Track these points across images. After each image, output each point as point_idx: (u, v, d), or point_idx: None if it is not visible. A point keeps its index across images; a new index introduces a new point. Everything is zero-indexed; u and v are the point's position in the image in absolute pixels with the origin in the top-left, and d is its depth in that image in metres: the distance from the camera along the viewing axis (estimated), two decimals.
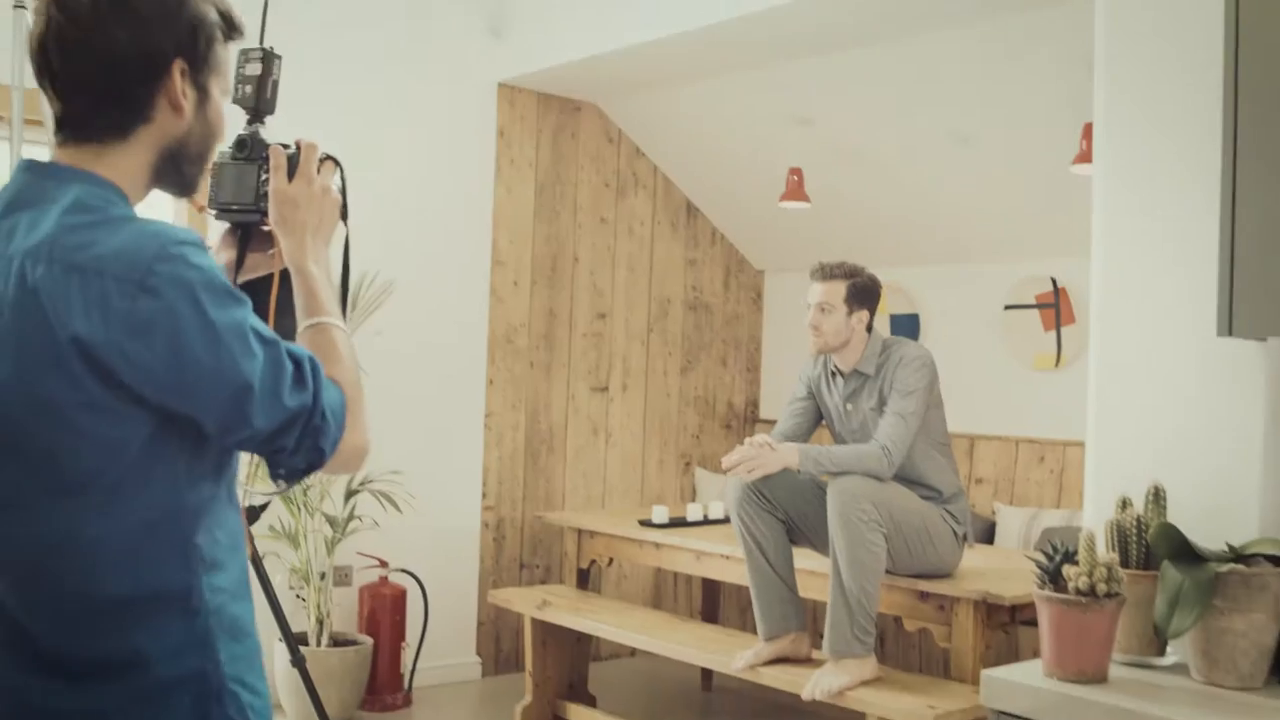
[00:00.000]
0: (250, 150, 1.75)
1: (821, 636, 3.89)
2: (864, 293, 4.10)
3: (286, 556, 5.05)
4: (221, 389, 1.42)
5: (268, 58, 1.79)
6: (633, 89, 5.88)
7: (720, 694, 5.68)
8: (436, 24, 5.65)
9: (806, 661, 4.05)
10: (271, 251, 1.75)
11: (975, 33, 4.54)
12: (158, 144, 1.55)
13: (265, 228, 1.74)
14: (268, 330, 1.49)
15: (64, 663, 1.47)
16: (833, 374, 4.18)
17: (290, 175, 1.72)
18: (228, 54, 1.63)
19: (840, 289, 4.06)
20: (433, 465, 5.58)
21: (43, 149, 3.31)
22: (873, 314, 4.14)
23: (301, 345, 1.60)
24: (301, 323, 1.67)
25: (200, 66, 1.56)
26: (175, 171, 1.59)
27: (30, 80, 3.04)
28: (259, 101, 1.78)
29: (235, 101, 1.74)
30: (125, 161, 1.53)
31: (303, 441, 1.51)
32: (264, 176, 1.72)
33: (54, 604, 1.47)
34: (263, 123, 1.79)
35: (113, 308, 1.38)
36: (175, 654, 1.48)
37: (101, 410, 1.41)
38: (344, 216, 1.82)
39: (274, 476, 1.56)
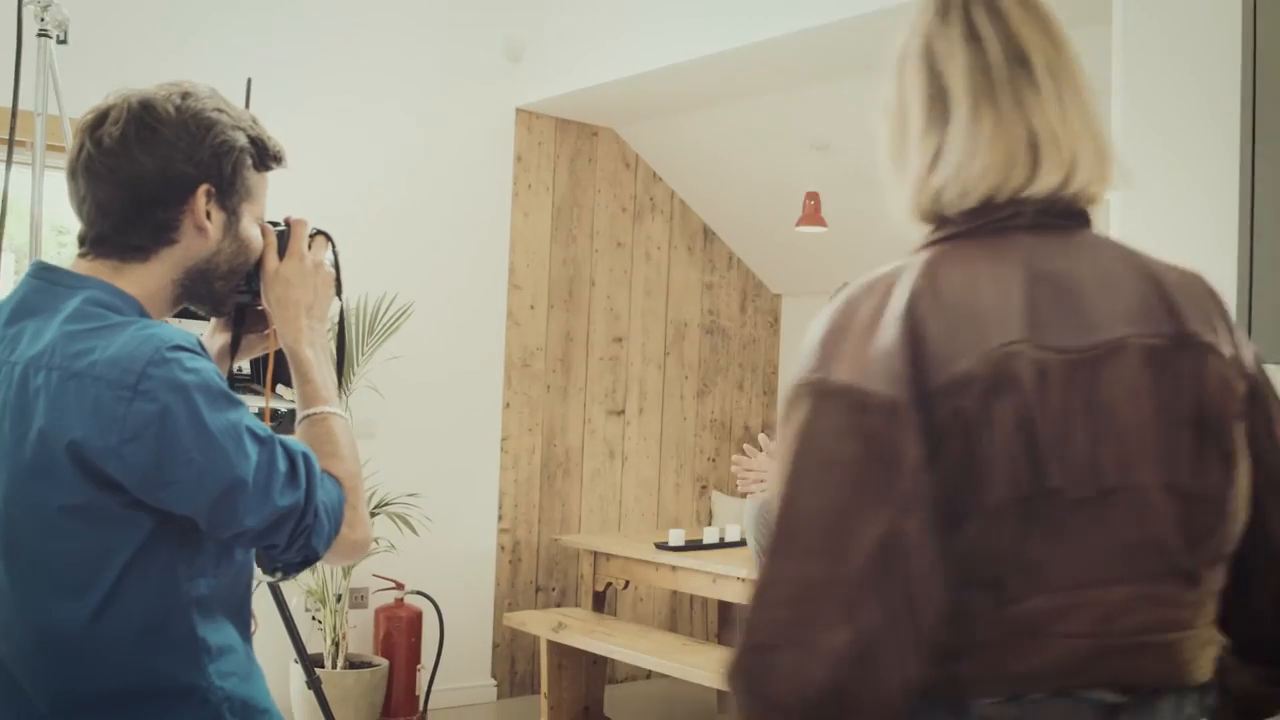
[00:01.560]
0: None
1: None
2: None
3: (302, 579, 5.06)
4: (213, 488, 1.43)
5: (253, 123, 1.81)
6: (649, 114, 5.91)
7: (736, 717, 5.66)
8: (455, 50, 5.69)
9: None
10: (267, 331, 1.76)
11: None
12: (182, 264, 1.58)
13: (259, 307, 1.74)
14: (263, 429, 1.50)
15: None
16: None
17: (281, 254, 1.73)
18: (262, 180, 1.67)
19: None
20: (449, 488, 5.59)
21: (63, 174, 3.34)
22: None
23: (299, 437, 1.62)
24: (299, 413, 1.67)
25: (228, 190, 1.60)
26: (206, 290, 1.63)
27: (54, 107, 3.07)
28: None
29: None
30: (143, 279, 1.56)
31: (295, 540, 1.51)
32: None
33: (64, 695, 1.48)
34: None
35: (108, 413, 1.41)
36: None
37: (98, 515, 1.44)
38: (338, 291, 1.82)
39: (269, 570, 1.56)
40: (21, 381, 1.46)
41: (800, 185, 5.60)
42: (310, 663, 3.93)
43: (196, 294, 1.63)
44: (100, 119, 1.55)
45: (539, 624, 4.99)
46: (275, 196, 4.83)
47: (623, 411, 6.30)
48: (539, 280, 6.00)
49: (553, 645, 4.93)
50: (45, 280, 1.55)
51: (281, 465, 1.49)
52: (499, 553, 5.86)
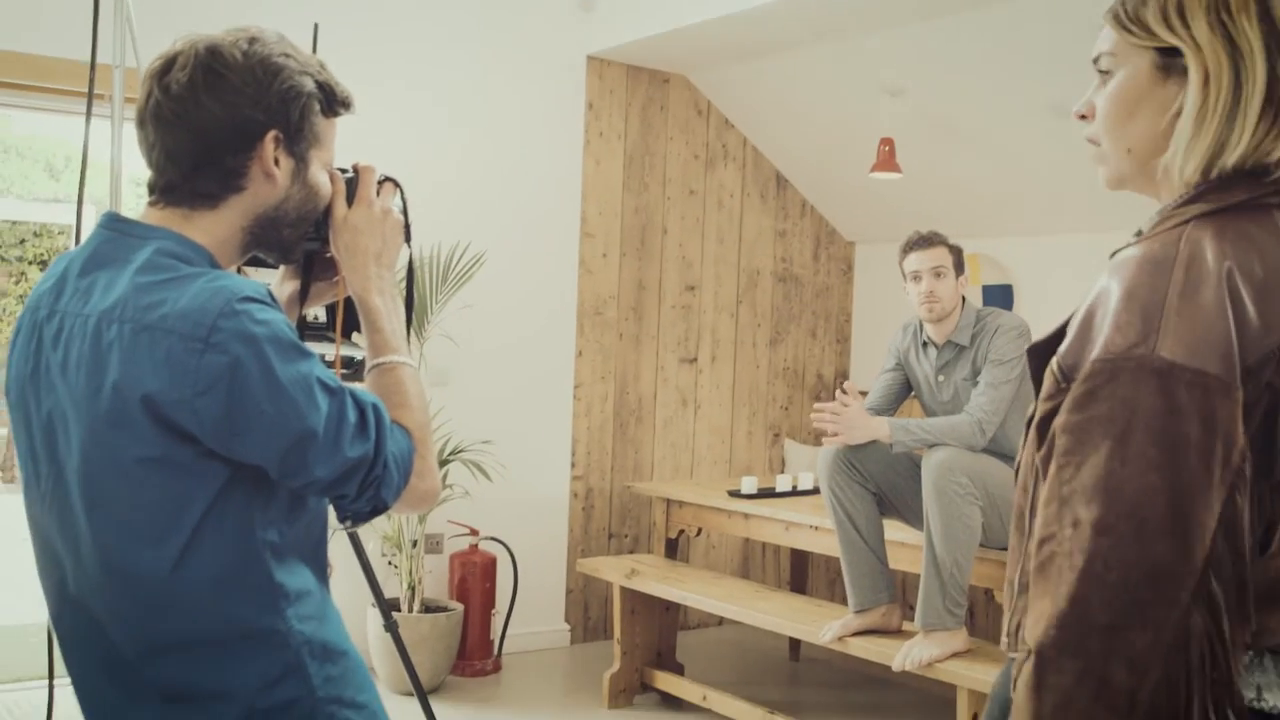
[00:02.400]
0: None
1: (911, 608, 3.87)
2: (961, 258, 4.08)
3: (379, 525, 5.14)
4: (283, 439, 1.45)
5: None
6: (722, 60, 5.86)
7: (808, 664, 5.68)
8: None
9: (896, 633, 4.04)
10: (336, 279, 1.76)
11: None
12: (250, 211, 1.59)
13: (328, 255, 1.74)
14: (333, 380, 1.51)
15: (161, 693, 1.53)
16: (924, 344, 4.14)
17: (350, 201, 1.72)
18: (330, 126, 1.66)
19: (946, 254, 4.03)
20: (523, 435, 5.63)
21: None
22: (965, 282, 4.11)
23: (368, 386, 1.63)
24: (368, 362, 1.68)
25: (296, 136, 1.60)
26: (274, 237, 1.64)
27: (131, 59, 3.10)
28: None
29: None
30: (213, 227, 1.57)
31: (364, 490, 1.52)
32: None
33: (147, 640, 1.52)
34: None
35: (180, 366, 1.42)
36: (268, 686, 1.53)
37: (174, 466, 1.46)
38: (407, 238, 1.81)
39: (340, 519, 1.58)
40: (95, 334, 1.48)
41: (874, 131, 5.53)
42: (387, 607, 4.00)
43: (265, 241, 1.64)
44: (168, 65, 1.56)
45: (612, 570, 5.03)
46: (347, 146, 4.85)
47: (695, 359, 6.29)
48: (611, 228, 5.99)
49: (625, 591, 4.97)
50: (116, 231, 1.57)
51: (351, 416, 1.50)
52: (572, 499, 5.90)
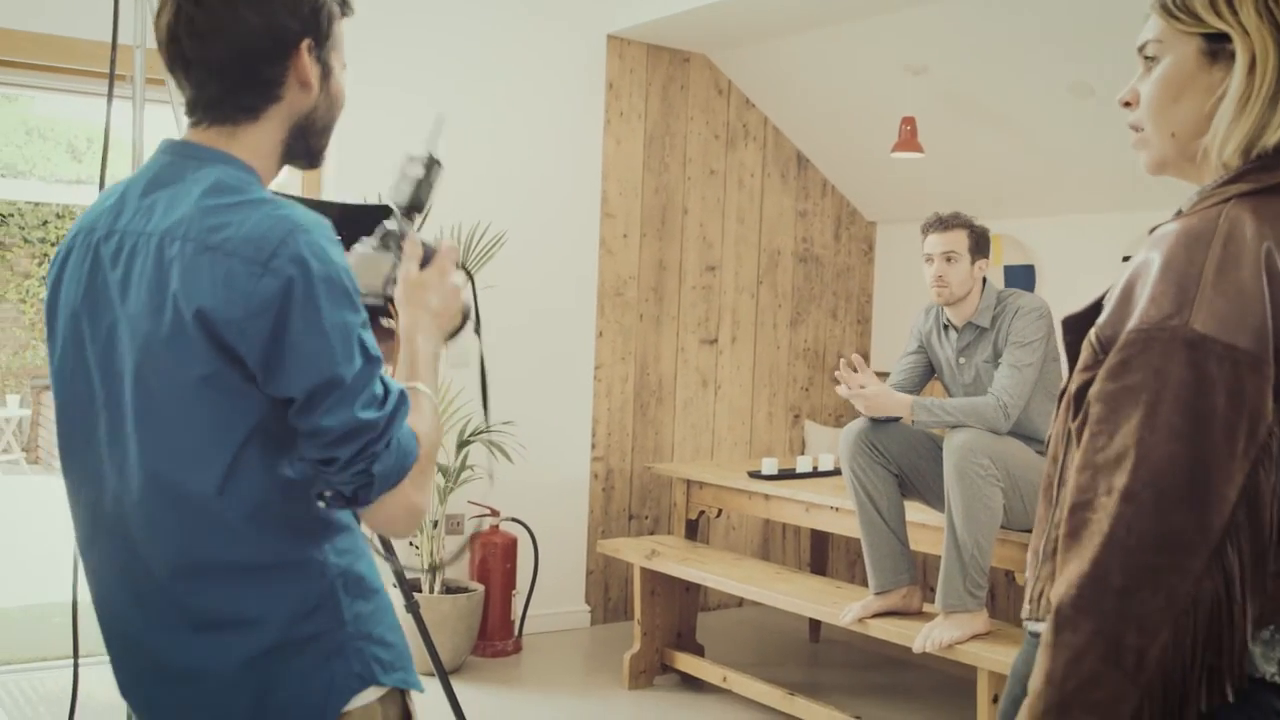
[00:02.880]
0: (391, 242, 1.79)
1: (932, 590, 3.86)
2: (983, 241, 4.06)
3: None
4: (310, 378, 1.45)
5: (431, 164, 1.85)
6: (742, 39, 5.83)
7: (828, 645, 5.68)
8: None
9: (916, 615, 4.03)
10: (392, 343, 1.76)
11: None
12: (287, 121, 1.61)
13: (387, 323, 1.76)
14: (374, 347, 1.51)
15: (191, 619, 1.54)
16: (945, 327, 4.13)
17: (424, 266, 1.76)
18: (343, 29, 1.69)
19: (963, 237, 4.01)
20: (543, 416, 5.63)
21: (164, 107, 3.38)
22: (988, 264, 4.09)
23: None
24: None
25: (323, 43, 1.62)
26: (304, 145, 1.65)
27: (152, 40, 3.10)
28: (413, 200, 1.84)
29: (393, 200, 1.82)
30: (258, 140, 1.59)
31: (357, 459, 1.48)
32: (395, 265, 1.74)
33: (184, 562, 1.53)
34: (411, 220, 1.83)
35: (238, 287, 1.44)
36: (302, 616, 1.54)
37: (224, 386, 1.47)
38: (476, 328, 1.88)
39: (317, 493, 1.54)
40: (158, 251, 1.50)
41: (896, 110, 5.50)
42: (409, 588, 4.01)
43: (297, 151, 1.65)
44: None
45: (632, 551, 5.03)
46: (374, 121, 4.89)
47: (715, 340, 6.28)
48: (631, 208, 5.98)
49: (646, 572, 4.97)
50: (175, 155, 1.59)
51: (376, 387, 1.50)
52: (592, 480, 5.91)
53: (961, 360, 4.06)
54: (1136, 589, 1.22)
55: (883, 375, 4.26)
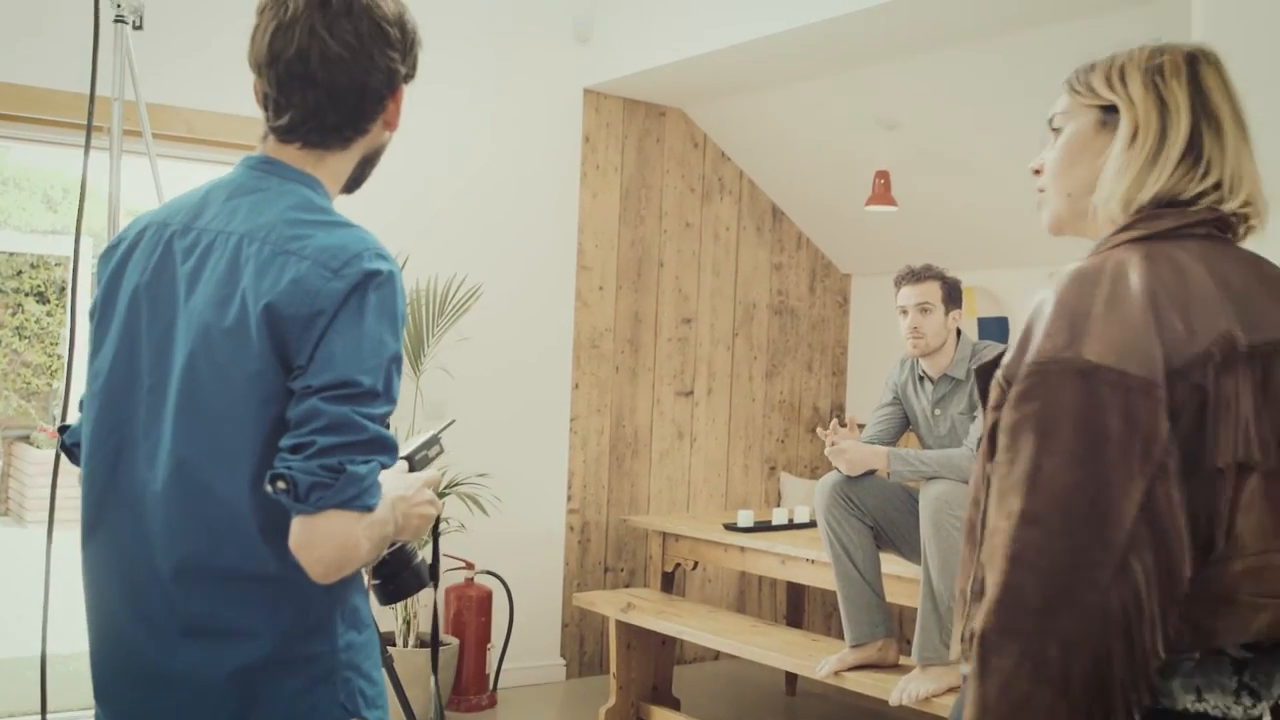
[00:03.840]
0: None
1: (908, 642, 3.85)
2: (955, 292, 4.09)
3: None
4: (331, 373, 1.48)
5: (437, 442, 1.90)
6: (718, 94, 5.88)
7: (804, 699, 5.65)
8: (523, 31, 5.69)
9: (893, 667, 4.02)
10: None
11: (1065, 32, 4.48)
12: (363, 152, 1.72)
13: None
14: (396, 391, 1.54)
15: (184, 623, 1.54)
16: (920, 378, 4.15)
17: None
18: None
19: (936, 289, 4.04)
20: (518, 468, 5.62)
21: (140, 158, 3.38)
22: (961, 315, 4.12)
23: None
24: None
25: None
26: (360, 175, 1.75)
27: (129, 92, 3.11)
28: (413, 455, 1.85)
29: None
30: (339, 167, 1.68)
31: (333, 452, 1.45)
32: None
33: (192, 565, 1.53)
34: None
35: (307, 286, 1.49)
36: (297, 636, 1.54)
37: (266, 386, 1.50)
38: (433, 578, 1.92)
39: (271, 476, 1.46)
40: (235, 249, 1.55)
41: (870, 164, 5.55)
42: (382, 641, 3.98)
43: (355, 179, 1.75)
44: (323, 5, 1.60)
45: (608, 604, 5.01)
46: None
47: (691, 392, 6.29)
48: (607, 261, 6.00)
49: (621, 625, 4.95)
50: (261, 169, 1.65)
51: (379, 409, 1.51)
52: (568, 533, 5.89)
53: (937, 412, 4.08)
54: (1054, 608, 1.29)
55: (860, 426, 4.27)
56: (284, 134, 1.64)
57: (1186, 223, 1.46)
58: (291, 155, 1.65)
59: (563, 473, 5.87)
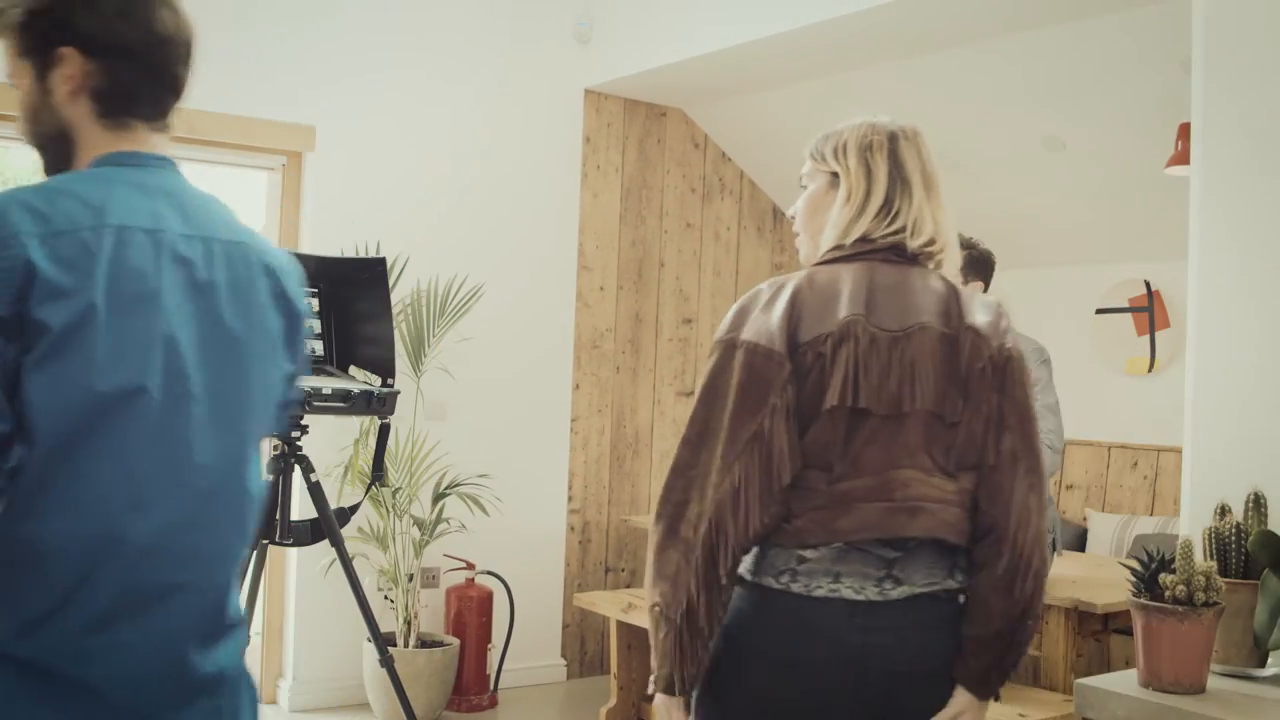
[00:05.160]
0: None
1: None
2: (979, 264, 4.00)
3: (375, 559, 5.12)
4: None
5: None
6: (718, 94, 5.88)
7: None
8: (524, 32, 5.69)
9: None
10: None
11: (1066, 32, 4.49)
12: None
13: None
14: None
15: (211, 622, 1.55)
16: None
17: None
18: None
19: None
20: (519, 469, 5.62)
21: None
22: (986, 287, 4.05)
23: None
24: None
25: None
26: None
27: None
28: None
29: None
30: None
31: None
32: None
33: (222, 554, 1.56)
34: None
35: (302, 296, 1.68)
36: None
37: (276, 357, 1.63)
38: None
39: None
40: (250, 256, 1.60)
41: None
42: (383, 641, 3.98)
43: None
44: None
45: (608, 604, 5.01)
46: (354, 178, 4.89)
47: (692, 392, 6.29)
48: (608, 261, 6.00)
49: (622, 626, 4.95)
50: (166, 167, 1.60)
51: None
52: (569, 533, 5.89)
53: None
54: (687, 499, 1.93)
55: None
56: (162, 120, 1.64)
57: (866, 250, 2.03)
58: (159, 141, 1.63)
59: (563, 473, 5.87)
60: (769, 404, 1.89)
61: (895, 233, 2.04)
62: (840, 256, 2.04)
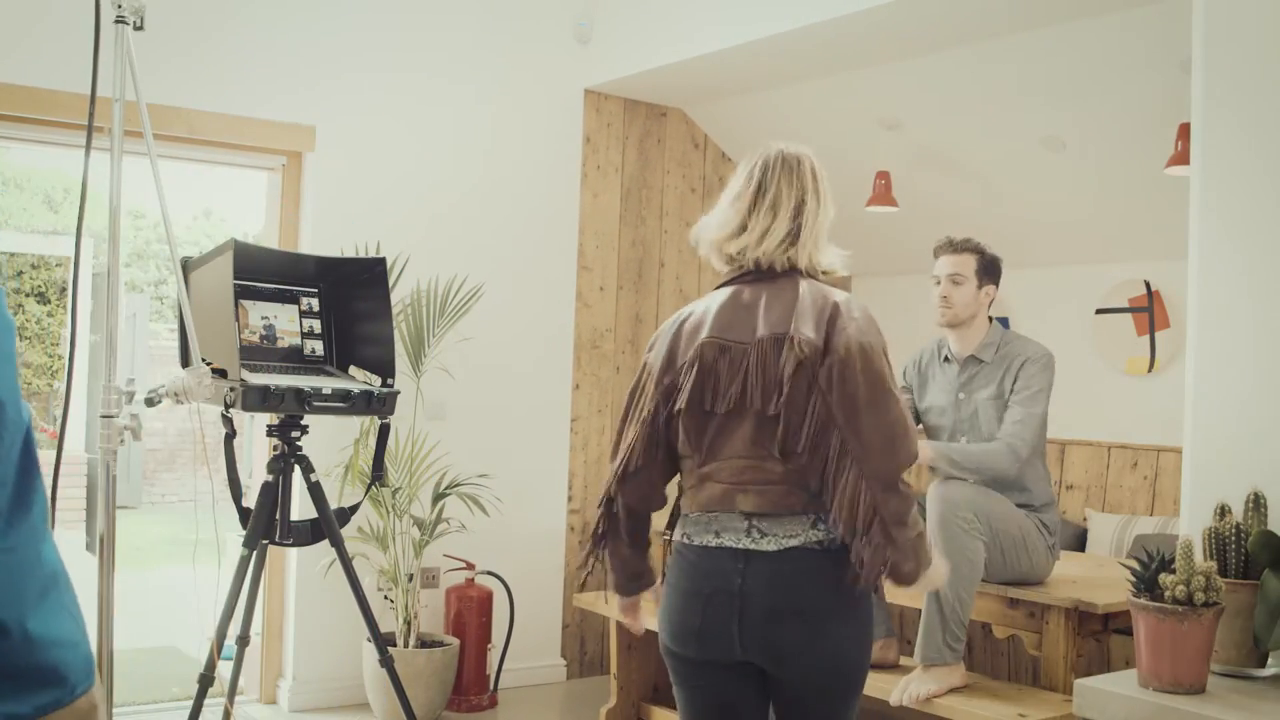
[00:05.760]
0: None
1: (909, 642, 3.84)
2: (992, 267, 4.06)
3: (375, 559, 5.12)
4: None
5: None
6: (718, 94, 5.88)
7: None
8: (524, 32, 5.69)
9: (894, 667, 4.01)
10: None
11: (1066, 32, 4.49)
12: None
13: None
14: None
15: None
16: (945, 360, 4.13)
17: None
18: None
19: (971, 261, 4.03)
20: (519, 469, 5.62)
21: (140, 159, 3.39)
22: (996, 292, 4.10)
23: None
24: None
25: None
26: None
27: (130, 93, 3.11)
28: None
29: None
30: None
31: None
32: None
33: None
34: None
35: None
36: None
37: None
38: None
39: None
40: None
41: (870, 165, 5.55)
42: (383, 641, 3.98)
43: None
44: None
45: (608, 605, 5.00)
46: (354, 178, 4.91)
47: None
48: (608, 261, 6.00)
49: (622, 626, 4.94)
50: None
51: None
52: (569, 533, 5.89)
53: (961, 396, 4.04)
54: (612, 478, 2.55)
55: None
56: None
57: (742, 272, 2.50)
58: None
59: (563, 473, 5.87)
60: (641, 411, 2.56)
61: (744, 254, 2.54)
62: (728, 278, 2.56)
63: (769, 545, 2.37)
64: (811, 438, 2.32)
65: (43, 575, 1.15)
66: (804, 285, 2.44)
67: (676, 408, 2.42)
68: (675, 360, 2.46)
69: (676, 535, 2.54)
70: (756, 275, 2.48)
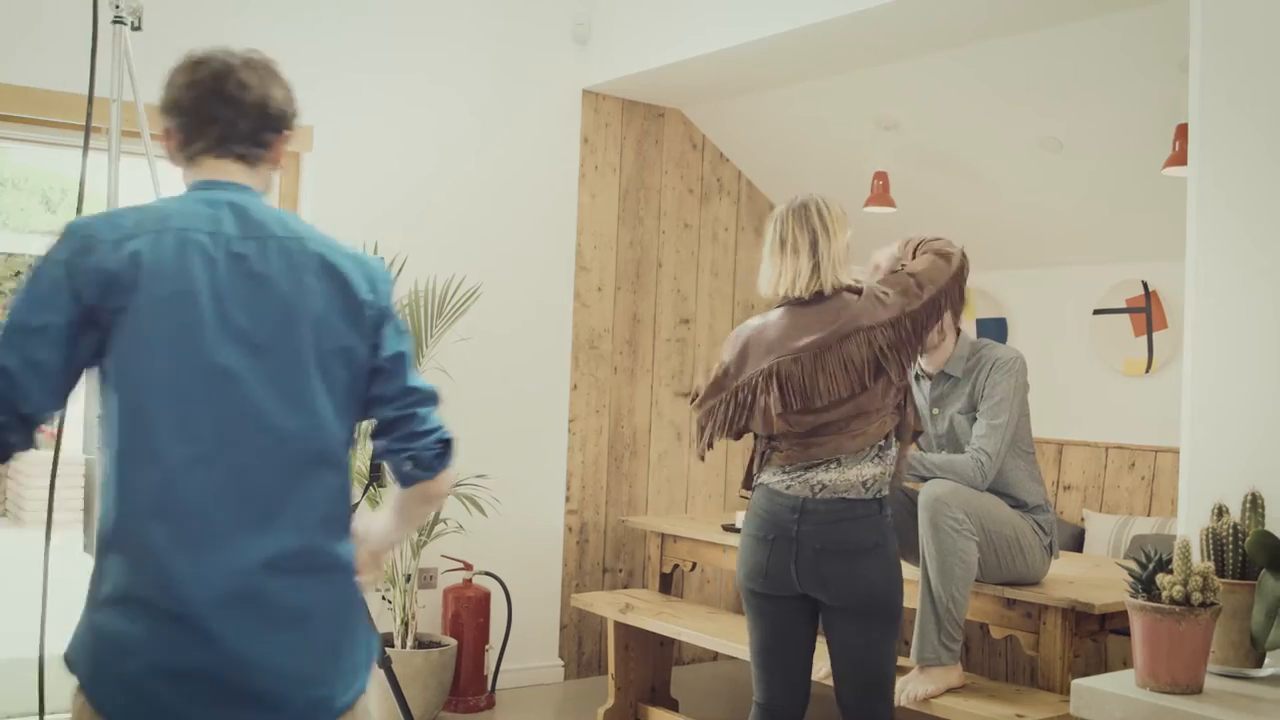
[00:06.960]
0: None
1: (906, 643, 3.85)
2: (948, 298, 4.03)
3: None
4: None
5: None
6: (716, 95, 5.88)
7: None
8: (522, 32, 5.70)
9: None
10: None
11: (1063, 33, 4.49)
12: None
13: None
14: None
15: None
16: (917, 377, 4.13)
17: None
18: None
19: None
20: (517, 469, 5.62)
21: (138, 159, 3.38)
22: (962, 304, 4.05)
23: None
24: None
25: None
26: None
27: (128, 93, 3.11)
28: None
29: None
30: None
31: (438, 428, 2.36)
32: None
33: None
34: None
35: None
36: None
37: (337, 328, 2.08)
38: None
39: (400, 464, 2.24)
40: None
41: (868, 165, 5.55)
42: (380, 642, 3.98)
43: None
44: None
45: (606, 605, 5.01)
46: (352, 178, 4.92)
47: (689, 394, 6.28)
48: (606, 262, 6.00)
49: (620, 626, 4.95)
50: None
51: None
52: (566, 534, 5.89)
53: (935, 411, 4.06)
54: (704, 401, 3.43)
55: None
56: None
57: (783, 301, 3.24)
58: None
59: (561, 474, 5.87)
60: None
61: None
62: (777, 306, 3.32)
63: (824, 495, 3.23)
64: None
65: None
66: (826, 303, 3.27)
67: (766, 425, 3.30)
68: (737, 381, 3.33)
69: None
70: (800, 301, 3.25)
